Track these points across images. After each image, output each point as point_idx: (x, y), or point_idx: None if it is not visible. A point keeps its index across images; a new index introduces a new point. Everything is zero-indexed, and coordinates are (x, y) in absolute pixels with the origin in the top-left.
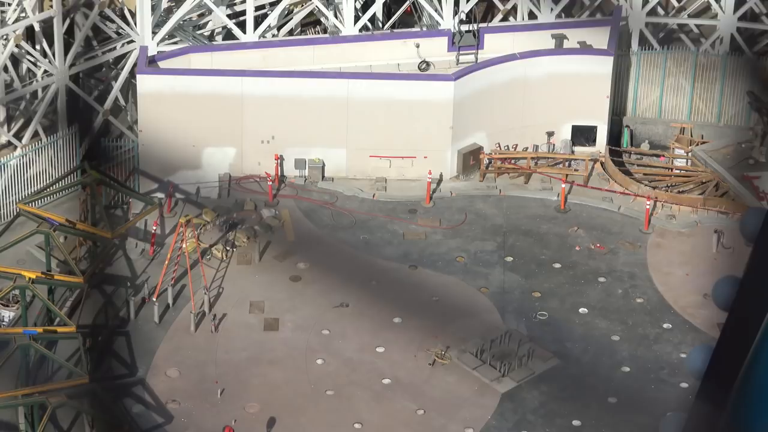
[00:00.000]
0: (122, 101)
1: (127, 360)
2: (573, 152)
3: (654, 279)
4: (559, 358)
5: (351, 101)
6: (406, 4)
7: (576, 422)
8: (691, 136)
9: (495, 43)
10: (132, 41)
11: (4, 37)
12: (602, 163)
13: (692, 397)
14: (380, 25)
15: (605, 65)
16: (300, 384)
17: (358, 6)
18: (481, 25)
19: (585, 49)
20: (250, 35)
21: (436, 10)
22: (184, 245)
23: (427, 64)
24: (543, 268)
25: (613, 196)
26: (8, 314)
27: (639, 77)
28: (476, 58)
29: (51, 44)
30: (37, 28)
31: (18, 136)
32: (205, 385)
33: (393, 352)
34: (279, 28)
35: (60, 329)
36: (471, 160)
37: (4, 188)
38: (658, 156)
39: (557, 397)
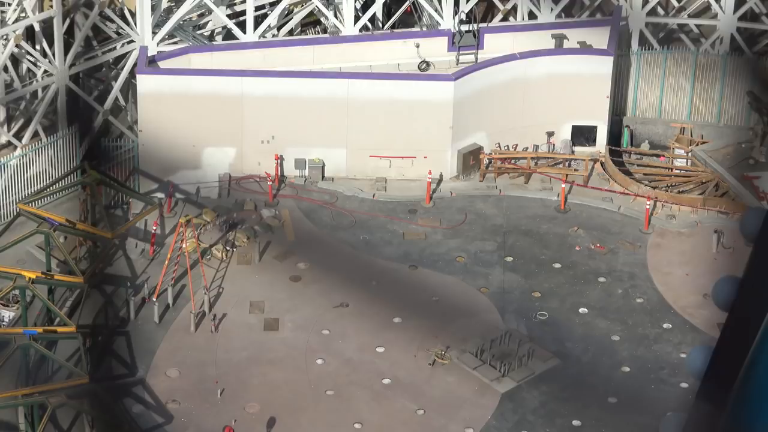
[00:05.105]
0: (122, 101)
1: (127, 360)
2: (573, 152)
3: (654, 279)
4: (559, 358)
5: (351, 101)
6: (406, 4)
7: (576, 422)
8: (691, 136)
9: (495, 43)
10: (132, 41)
11: (4, 37)
12: (602, 163)
13: (692, 397)
14: (380, 25)
15: (605, 65)
16: (300, 384)
17: (358, 6)
18: (481, 25)
19: (585, 49)
20: (250, 35)
21: (436, 10)
22: (184, 245)
23: (427, 64)
24: (543, 268)
25: (613, 196)
26: (8, 314)
27: (639, 77)
28: (476, 58)
29: (51, 44)
30: (37, 28)
31: (18, 136)
32: (205, 385)
33: (393, 352)
34: (279, 28)
35: (60, 329)
36: (471, 160)
37: (4, 188)
38: (658, 156)
39: (557, 397)
